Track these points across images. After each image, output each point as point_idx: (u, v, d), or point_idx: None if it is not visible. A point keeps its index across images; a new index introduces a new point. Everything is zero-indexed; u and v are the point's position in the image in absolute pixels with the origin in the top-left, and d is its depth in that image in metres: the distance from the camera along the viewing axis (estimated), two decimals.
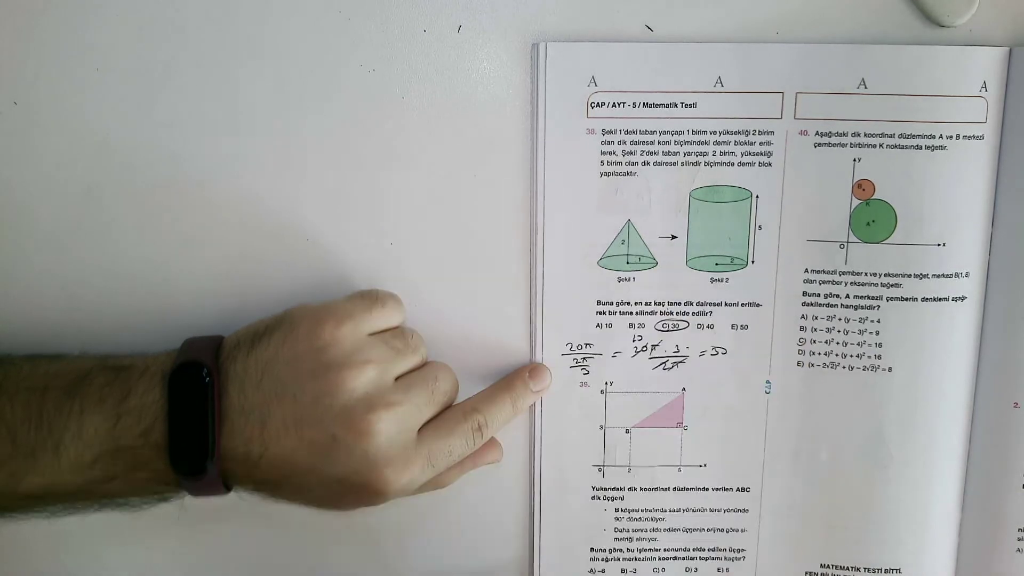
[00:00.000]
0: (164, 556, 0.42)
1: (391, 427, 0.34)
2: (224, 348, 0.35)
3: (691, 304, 0.40)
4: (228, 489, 0.35)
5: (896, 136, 0.38)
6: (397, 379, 0.35)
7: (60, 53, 0.37)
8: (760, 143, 0.38)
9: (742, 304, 0.40)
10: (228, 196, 0.38)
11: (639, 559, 0.43)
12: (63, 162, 0.38)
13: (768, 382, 0.41)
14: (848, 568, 0.42)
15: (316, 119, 0.38)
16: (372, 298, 0.36)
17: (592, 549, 0.43)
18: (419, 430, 0.35)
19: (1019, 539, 0.41)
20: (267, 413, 0.33)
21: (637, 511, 0.42)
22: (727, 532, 0.43)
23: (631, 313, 0.40)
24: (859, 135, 0.38)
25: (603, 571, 0.43)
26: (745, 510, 0.42)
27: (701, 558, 0.43)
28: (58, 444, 0.32)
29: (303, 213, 0.39)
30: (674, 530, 0.43)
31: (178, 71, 0.37)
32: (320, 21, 0.37)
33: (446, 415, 0.37)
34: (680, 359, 0.41)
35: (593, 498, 0.42)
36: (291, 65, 0.37)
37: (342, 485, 0.34)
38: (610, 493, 0.42)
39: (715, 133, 0.38)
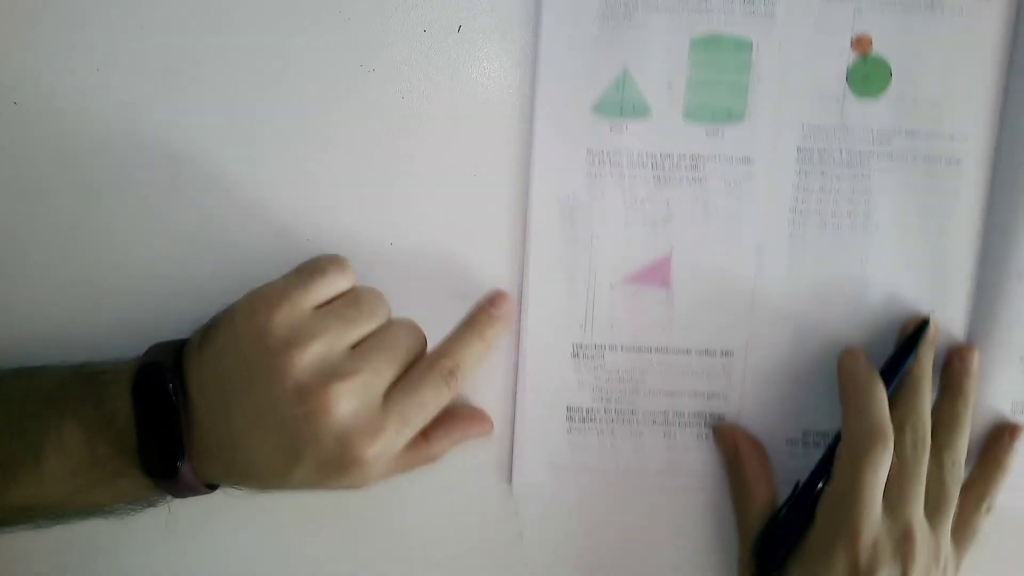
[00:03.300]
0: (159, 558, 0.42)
1: (351, 397, 0.33)
2: (186, 348, 0.34)
3: (685, 158, 0.39)
4: (211, 487, 0.35)
5: None
6: (354, 346, 0.34)
7: (60, 53, 0.37)
8: None
9: (736, 160, 0.39)
10: (228, 196, 0.38)
11: (617, 421, 0.41)
12: (63, 162, 0.38)
13: (759, 242, 0.40)
14: (831, 433, 0.40)
15: (316, 119, 0.38)
16: (310, 270, 0.35)
17: (569, 408, 0.41)
18: (387, 392, 0.34)
19: (1013, 411, 0.41)
20: (228, 407, 0.33)
21: (617, 371, 0.41)
22: (708, 397, 0.41)
23: (622, 165, 0.39)
24: None
25: (580, 431, 0.41)
26: (728, 375, 0.41)
27: (680, 424, 0.41)
28: (39, 455, 0.32)
29: (303, 213, 0.39)
30: (654, 393, 0.41)
31: (178, 71, 0.37)
32: (320, 21, 0.37)
33: (412, 370, 0.35)
34: (671, 216, 0.39)
35: (573, 356, 0.41)
36: (291, 65, 0.37)
37: (319, 464, 0.33)
38: (590, 352, 0.41)
39: None
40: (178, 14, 0.37)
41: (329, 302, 0.35)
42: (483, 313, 0.39)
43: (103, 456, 0.33)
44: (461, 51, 0.38)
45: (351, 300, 0.35)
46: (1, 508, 0.33)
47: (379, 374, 0.34)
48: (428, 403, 0.35)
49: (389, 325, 0.36)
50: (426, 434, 0.37)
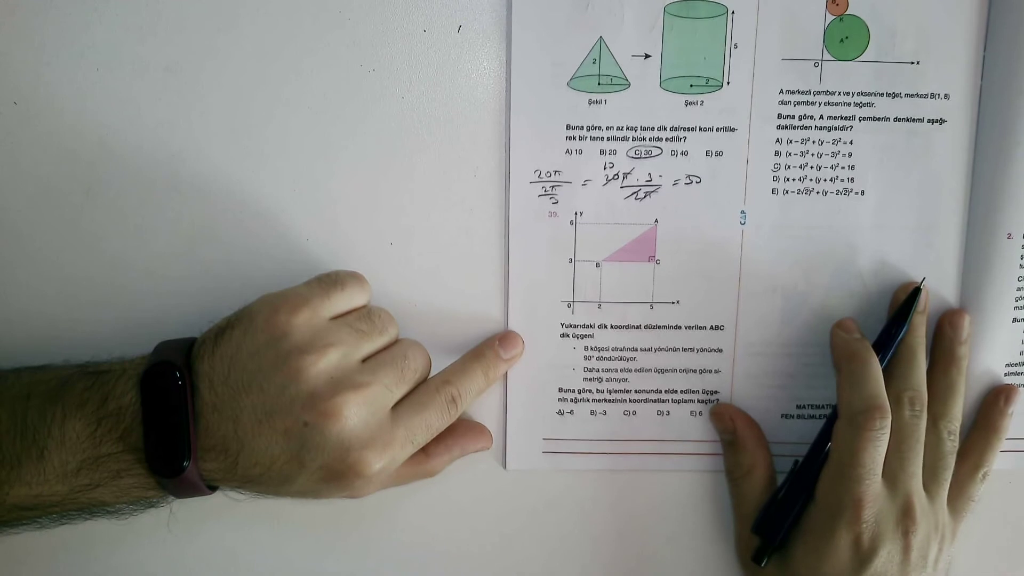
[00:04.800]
0: (156, 556, 0.42)
1: (361, 409, 0.33)
2: (195, 347, 0.35)
3: (664, 129, 0.39)
4: (212, 489, 0.35)
5: None
6: (364, 360, 0.35)
7: (60, 53, 0.37)
8: None
9: (717, 129, 0.39)
10: (228, 196, 0.38)
11: (609, 400, 0.41)
12: (63, 162, 0.38)
13: (743, 212, 0.40)
14: (825, 406, 0.41)
15: (316, 119, 0.38)
16: (331, 281, 0.36)
17: (561, 389, 0.41)
18: (393, 408, 0.35)
19: (1006, 374, 0.41)
20: (238, 407, 0.33)
21: (607, 350, 0.41)
22: (700, 373, 0.41)
23: (602, 139, 0.39)
24: None
25: (572, 412, 0.41)
26: (719, 349, 0.41)
27: (673, 400, 0.41)
28: (42, 451, 0.32)
29: (303, 212, 0.39)
30: (645, 371, 0.41)
31: (178, 71, 0.37)
32: (320, 21, 0.37)
33: (419, 390, 0.36)
34: (653, 188, 0.39)
35: (562, 336, 0.41)
36: (291, 65, 0.37)
37: (324, 472, 0.33)
38: (579, 331, 0.41)
39: None
40: (178, 14, 0.37)
41: (343, 315, 0.36)
42: (492, 352, 0.39)
43: (107, 453, 0.33)
44: (461, 51, 0.38)
45: (364, 315, 0.36)
46: (5, 507, 0.33)
47: (388, 389, 0.35)
48: (433, 424, 0.36)
49: (399, 344, 0.37)
50: (426, 449, 0.38)
